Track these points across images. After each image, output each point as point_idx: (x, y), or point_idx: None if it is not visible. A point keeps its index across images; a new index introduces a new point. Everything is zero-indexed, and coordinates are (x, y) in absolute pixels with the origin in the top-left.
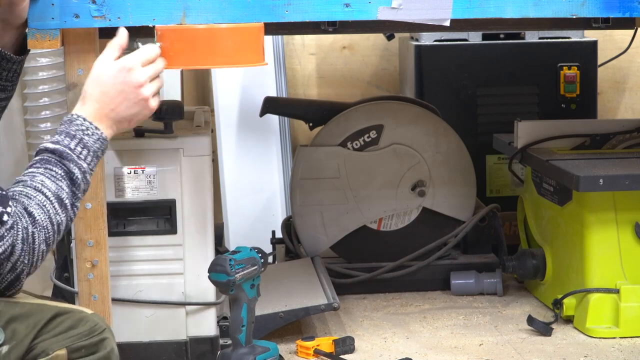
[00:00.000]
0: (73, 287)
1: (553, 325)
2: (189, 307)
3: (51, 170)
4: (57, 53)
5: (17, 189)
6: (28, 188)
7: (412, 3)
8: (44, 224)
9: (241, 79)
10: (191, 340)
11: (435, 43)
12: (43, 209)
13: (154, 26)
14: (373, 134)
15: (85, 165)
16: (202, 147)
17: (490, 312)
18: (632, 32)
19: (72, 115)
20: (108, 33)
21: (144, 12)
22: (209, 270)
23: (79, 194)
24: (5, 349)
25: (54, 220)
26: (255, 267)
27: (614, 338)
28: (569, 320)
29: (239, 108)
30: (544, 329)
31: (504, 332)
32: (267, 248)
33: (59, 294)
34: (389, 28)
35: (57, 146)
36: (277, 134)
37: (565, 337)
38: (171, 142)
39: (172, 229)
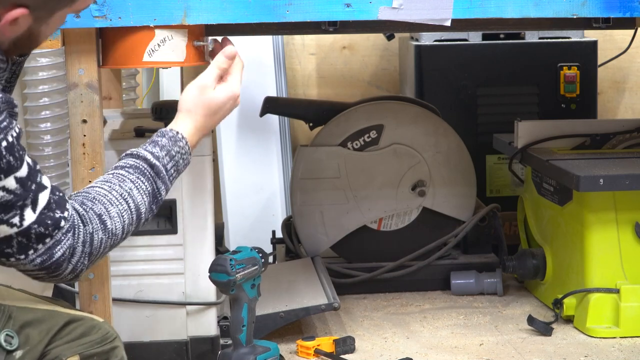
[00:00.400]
0: (73, 287)
1: (553, 325)
2: (189, 307)
3: (143, 183)
4: (57, 53)
5: (102, 190)
6: (114, 193)
7: (413, 3)
8: (116, 232)
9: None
10: (191, 340)
11: (435, 43)
12: (120, 218)
13: (154, 26)
14: (373, 134)
15: (170, 186)
16: (202, 147)
17: (490, 312)
18: (632, 32)
19: (178, 133)
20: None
21: (145, 12)
22: (210, 270)
23: (155, 211)
24: (19, 353)
25: (126, 229)
26: (256, 267)
27: (614, 338)
28: (569, 320)
29: (239, 108)
30: (544, 329)
31: (504, 332)
32: (268, 248)
33: (59, 294)
34: (389, 28)
35: (157, 162)
36: (277, 134)
37: (566, 337)
38: None
39: (172, 229)
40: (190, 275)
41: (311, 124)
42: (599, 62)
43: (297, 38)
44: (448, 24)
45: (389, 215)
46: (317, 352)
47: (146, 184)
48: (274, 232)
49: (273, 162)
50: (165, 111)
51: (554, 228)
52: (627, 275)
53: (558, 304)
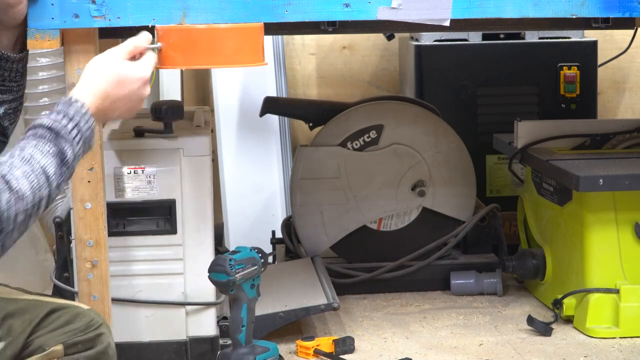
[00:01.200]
0: (73, 287)
1: (553, 325)
2: (188, 307)
3: (44, 145)
4: (57, 53)
5: (3, 158)
6: (15, 158)
7: (412, 3)
8: (25, 194)
9: (241, 79)
10: (191, 340)
11: (435, 43)
12: (26, 179)
13: (153, 26)
14: (373, 134)
15: (77, 149)
16: (202, 147)
17: (490, 312)
18: (632, 32)
19: (72, 97)
20: (108, 33)
21: (144, 12)
22: (209, 270)
23: (66, 177)
24: (1, 345)
25: (37, 193)
26: (255, 267)
27: (614, 338)
28: (569, 320)
29: (239, 108)
30: (543, 329)
31: (504, 332)
32: (267, 248)
33: (58, 294)
34: (388, 28)
35: (54, 124)
36: (277, 134)
37: (565, 337)
38: (171, 142)
39: (172, 229)
40: (190, 276)
41: (311, 124)
42: (599, 62)
43: (297, 38)
44: (447, 24)
45: (388, 215)
46: (317, 352)
47: (48, 145)
48: (273, 232)
49: (273, 162)
50: (165, 111)
51: (554, 228)
52: (626, 275)
53: (558, 304)
